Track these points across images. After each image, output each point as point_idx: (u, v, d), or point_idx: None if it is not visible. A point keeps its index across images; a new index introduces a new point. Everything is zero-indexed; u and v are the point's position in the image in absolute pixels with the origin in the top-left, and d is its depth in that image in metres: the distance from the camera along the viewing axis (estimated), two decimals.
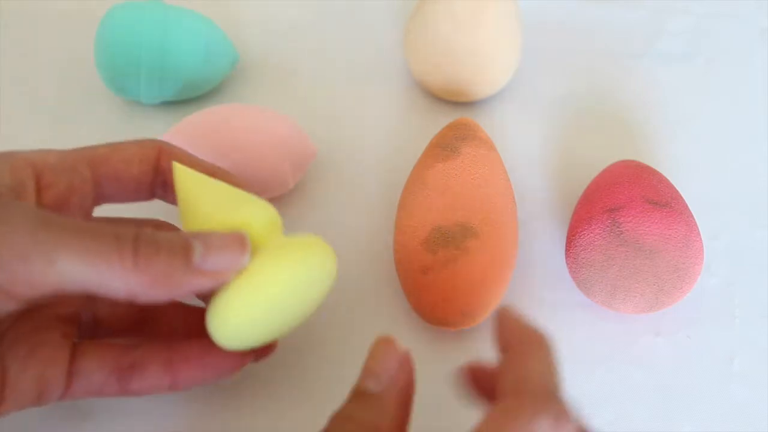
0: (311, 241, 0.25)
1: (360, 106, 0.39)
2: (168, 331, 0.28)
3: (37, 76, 0.40)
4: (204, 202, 0.25)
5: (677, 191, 0.31)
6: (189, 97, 0.38)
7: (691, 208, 0.31)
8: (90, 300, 0.27)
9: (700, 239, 0.30)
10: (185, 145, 0.32)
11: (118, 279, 0.21)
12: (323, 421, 0.23)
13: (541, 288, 0.33)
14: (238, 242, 0.23)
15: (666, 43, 0.42)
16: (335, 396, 0.24)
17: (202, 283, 0.22)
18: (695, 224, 0.30)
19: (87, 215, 0.26)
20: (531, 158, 0.37)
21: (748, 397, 0.31)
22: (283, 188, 0.34)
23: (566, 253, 0.31)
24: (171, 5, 0.36)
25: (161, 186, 0.27)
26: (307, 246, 0.25)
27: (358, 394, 0.23)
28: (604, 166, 0.34)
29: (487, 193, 0.30)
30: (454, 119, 0.34)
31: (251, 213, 0.24)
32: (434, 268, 0.29)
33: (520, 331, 0.23)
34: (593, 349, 0.32)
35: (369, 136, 0.38)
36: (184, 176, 0.25)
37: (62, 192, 0.24)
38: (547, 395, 0.21)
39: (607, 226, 0.29)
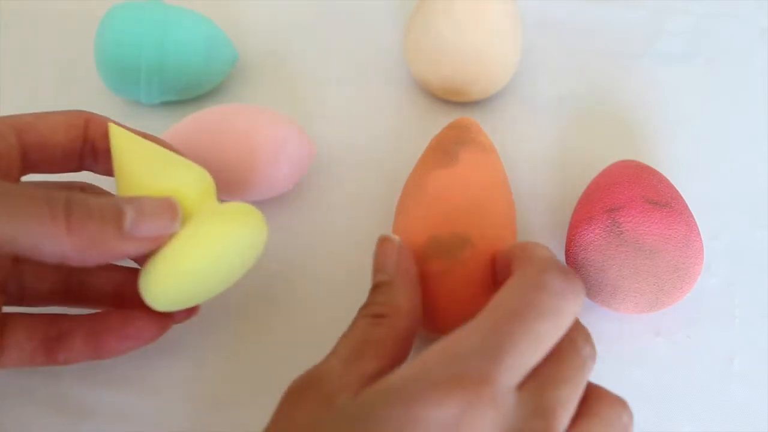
0: (243, 208, 0.26)
1: (360, 106, 0.39)
2: (95, 296, 0.29)
3: (37, 76, 0.40)
4: (139, 165, 0.25)
5: (677, 191, 0.31)
6: (189, 97, 0.38)
7: (691, 208, 0.31)
8: (16, 268, 0.27)
9: (700, 239, 0.30)
10: (185, 145, 0.32)
11: (51, 241, 0.21)
12: None
13: None
14: (169, 209, 0.23)
15: (666, 43, 0.42)
16: None
17: (135, 248, 0.23)
18: (695, 224, 0.30)
19: (14, 182, 0.26)
20: (531, 158, 0.37)
21: (748, 397, 0.31)
22: (282, 188, 0.34)
23: (566, 253, 0.31)
24: (171, 5, 0.36)
25: (90, 155, 0.27)
26: (238, 213, 0.26)
27: (374, 288, 0.26)
28: (604, 166, 0.34)
29: (484, 202, 0.30)
30: (455, 119, 0.34)
31: (185, 178, 0.25)
32: (429, 278, 0.28)
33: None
34: None
35: (369, 136, 0.38)
36: (120, 139, 0.25)
37: None
38: (553, 260, 0.24)
39: (607, 226, 0.29)
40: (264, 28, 0.42)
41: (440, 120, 0.39)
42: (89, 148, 0.27)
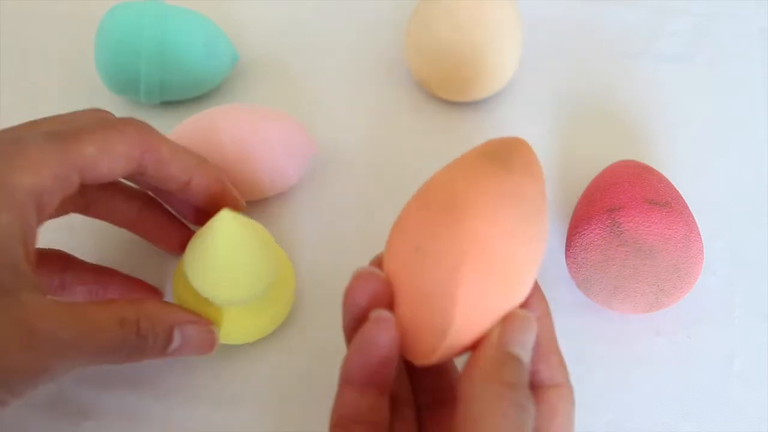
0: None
1: (360, 105, 0.39)
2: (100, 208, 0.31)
3: (37, 76, 0.40)
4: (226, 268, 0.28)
5: (677, 191, 0.31)
6: (189, 97, 0.38)
7: (691, 208, 0.31)
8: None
9: (700, 239, 0.30)
10: (188, 146, 0.32)
11: (104, 363, 0.25)
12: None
13: (541, 288, 0.33)
14: (209, 345, 0.28)
15: (666, 43, 0.42)
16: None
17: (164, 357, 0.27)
18: (695, 224, 0.30)
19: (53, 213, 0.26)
20: None
21: (748, 397, 0.31)
22: (284, 185, 0.34)
23: (566, 253, 0.31)
24: (171, 5, 0.36)
25: (132, 178, 0.28)
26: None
27: (515, 359, 0.22)
28: (604, 166, 0.34)
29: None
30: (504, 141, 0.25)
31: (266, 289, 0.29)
32: None
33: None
34: (593, 349, 0.32)
35: (369, 135, 0.38)
36: (229, 231, 0.27)
37: (56, 209, 0.25)
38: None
39: (607, 226, 0.29)
40: (264, 27, 0.42)
41: (440, 120, 0.39)
42: (136, 174, 0.27)
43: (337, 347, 0.32)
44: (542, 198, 0.24)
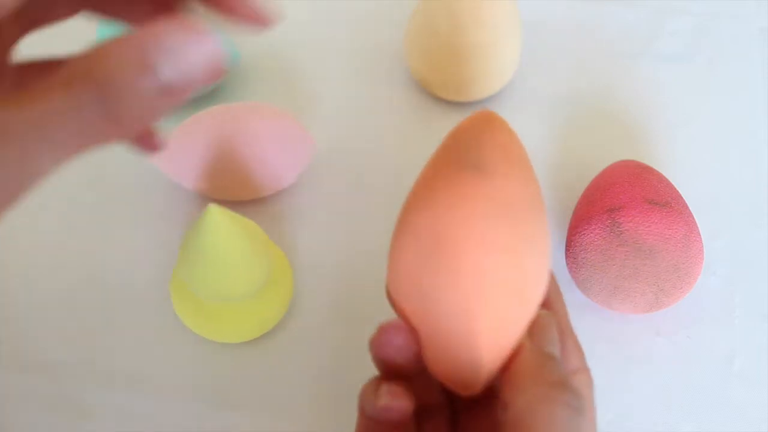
0: None
1: (360, 105, 0.39)
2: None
3: None
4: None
5: (677, 191, 0.31)
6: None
7: (691, 208, 0.31)
8: None
9: (700, 239, 0.30)
10: (187, 146, 0.32)
11: (96, 141, 0.17)
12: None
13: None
14: (202, 41, 0.17)
15: (666, 43, 0.42)
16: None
17: (177, 98, 0.18)
18: (695, 224, 0.30)
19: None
20: (531, 158, 0.37)
21: (748, 397, 0.31)
22: (284, 183, 0.34)
23: (566, 253, 0.31)
24: None
25: None
26: None
27: (554, 358, 0.22)
28: (604, 166, 0.34)
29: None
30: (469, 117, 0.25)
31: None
32: None
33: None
34: (593, 349, 0.32)
35: (369, 135, 0.38)
36: (217, 227, 0.26)
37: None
38: None
39: (607, 226, 0.29)
40: None
41: (440, 120, 0.39)
42: None
43: (336, 346, 0.32)
44: (529, 185, 0.23)
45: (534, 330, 0.22)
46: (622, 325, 0.33)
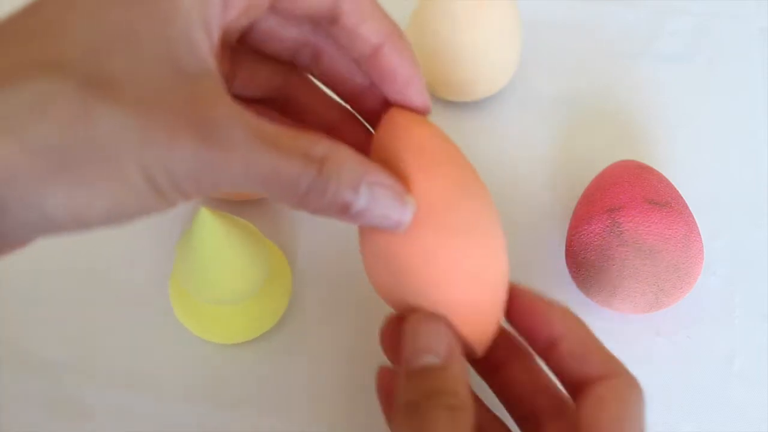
0: None
1: None
2: (298, 111, 0.26)
3: None
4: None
5: (677, 191, 0.31)
6: None
7: (691, 208, 0.31)
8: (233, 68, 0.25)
9: (700, 239, 0.30)
10: None
11: (275, 198, 0.20)
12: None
13: (541, 288, 0.33)
14: (399, 219, 0.22)
15: (666, 43, 0.42)
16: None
17: (342, 220, 0.21)
18: (695, 224, 0.30)
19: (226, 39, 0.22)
20: (531, 158, 0.37)
21: (748, 397, 0.31)
22: None
23: (566, 253, 0.31)
24: None
25: (328, 21, 0.23)
26: None
27: (425, 373, 0.22)
28: (604, 166, 0.34)
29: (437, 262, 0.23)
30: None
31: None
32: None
33: (606, 361, 0.24)
34: None
35: None
36: (210, 231, 0.26)
37: (237, 13, 0.21)
38: None
39: (607, 226, 0.29)
40: None
41: (440, 120, 0.39)
42: (326, 18, 0.22)
43: (335, 346, 0.32)
44: (453, 177, 0.23)
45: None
46: (622, 325, 0.32)
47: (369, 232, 0.23)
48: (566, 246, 0.31)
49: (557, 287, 0.33)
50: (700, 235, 0.30)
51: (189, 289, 0.28)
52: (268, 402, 0.31)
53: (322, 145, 0.20)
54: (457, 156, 0.24)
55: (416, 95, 0.24)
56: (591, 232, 0.30)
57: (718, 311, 0.33)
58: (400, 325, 0.23)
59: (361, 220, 0.21)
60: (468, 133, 0.38)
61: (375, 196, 0.21)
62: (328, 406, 0.31)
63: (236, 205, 0.35)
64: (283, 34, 0.24)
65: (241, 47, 0.24)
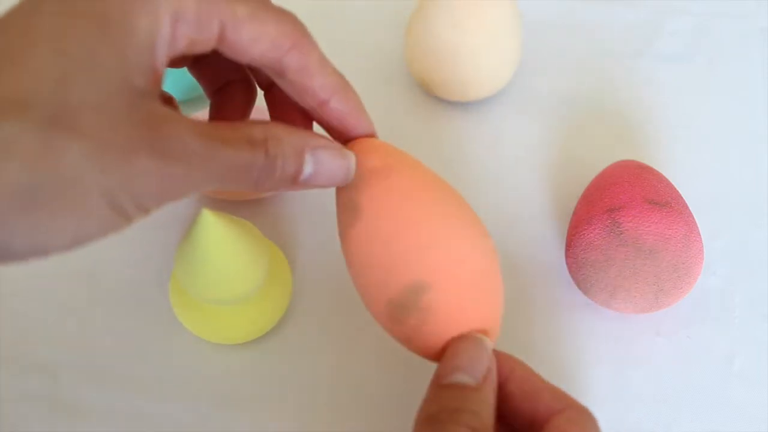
0: None
1: None
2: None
3: None
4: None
5: (677, 191, 0.31)
6: (190, 97, 0.38)
7: (691, 208, 0.31)
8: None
9: (700, 239, 0.30)
10: None
11: (236, 189, 0.22)
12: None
13: (541, 288, 0.33)
14: (344, 173, 0.24)
15: (666, 43, 0.42)
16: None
17: (298, 189, 0.24)
18: (695, 224, 0.30)
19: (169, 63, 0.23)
20: (531, 158, 0.37)
21: (748, 397, 0.31)
22: None
23: (566, 253, 0.31)
24: None
25: (275, 73, 0.24)
26: None
27: (456, 390, 0.23)
28: (604, 166, 0.34)
29: (417, 235, 0.24)
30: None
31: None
32: (407, 334, 0.25)
33: (560, 398, 0.24)
34: (593, 349, 0.32)
35: None
36: (212, 231, 0.27)
37: (183, 48, 0.21)
38: None
39: (607, 226, 0.29)
40: None
41: (440, 120, 0.39)
42: (272, 69, 0.24)
43: (335, 346, 0.32)
44: (411, 190, 0.25)
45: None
46: (622, 325, 0.33)
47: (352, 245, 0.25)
48: (566, 246, 0.31)
49: (557, 287, 0.33)
50: (700, 235, 0.30)
51: (189, 290, 0.28)
52: (269, 402, 0.31)
53: (258, 128, 0.22)
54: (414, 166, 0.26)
55: (364, 131, 0.27)
56: (591, 232, 0.30)
57: (718, 311, 0.33)
58: None
59: (311, 185, 0.24)
60: (468, 133, 0.38)
61: (318, 160, 0.23)
62: (328, 406, 0.31)
63: (236, 205, 0.35)
64: (254, 51, 0.24)
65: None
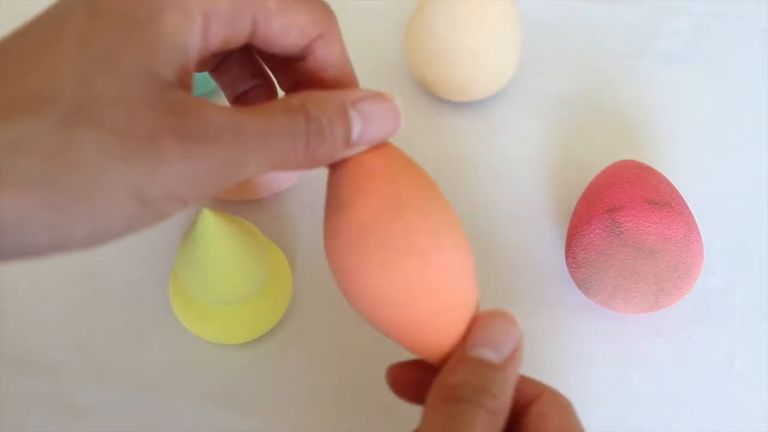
0: None
1: None
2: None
3: None
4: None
5: (677, 191, 0.31)
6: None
7: (691, 208, 0.31)
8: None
9: (700, 239, 0.30)
10: None
11: (287, 166, 0.21)
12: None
13: (541, 288, 0.33)
14: (394, 115, 0.23)
15: (666, 43, 0.42)
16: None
17: (357, 151, 0.22)
18: (695, 224, 0.30)
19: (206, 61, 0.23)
20: (531, 158, 0.37)
21: (748, 397, 0.31)
22: (282, 185, 0.34)
23: (566, 253, 0.31)
24: None
25: (284, 63, 0.24)
26: None
27: (480, 365, 0.22)
28: (604, 166, 0.34)
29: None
30: None
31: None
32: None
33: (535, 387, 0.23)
34: (593, 349, 0.32)
35: None
36: (212, 232, 0.26)
37: (217, 44, 0.21)
38: None
39: (607, 226, 0.29)
40: None
41: (440, 119, 0.39)
42: (296, 58, 0.23)
43: (335, 346, 0.32)
44: (405, 200, 0.23)
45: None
46: (622, 325, 0.33)
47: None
48: (566, 246, 0.31)
49: (557, 287, 0.33)
50: (700, 235, 0.30)
51: (189, 290, 0.28)
52: (269, 402, 0.31)
53: (295, 96, 0.21)
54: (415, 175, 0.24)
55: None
56: (591, 232, 0.30)
57: (718, 311, 0.33)
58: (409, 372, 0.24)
59: (364, 141, 0.22)
60: (468, 133, 0.38)
61: (365, 113, 0.22)
62: (328, 406, 0.31)
63: (236, 205, 0.35)
64: (286, 42, 0.24)
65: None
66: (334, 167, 0.23)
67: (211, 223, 0.26)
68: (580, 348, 0.32)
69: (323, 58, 0.23)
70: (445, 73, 0.36)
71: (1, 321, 0.32)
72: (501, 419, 0.21)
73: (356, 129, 0.22)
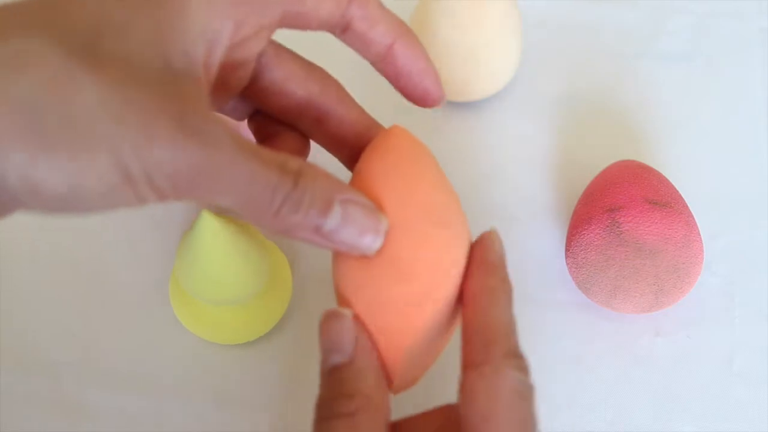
0: None
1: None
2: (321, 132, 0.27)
3: None
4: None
5: (677, 191, 0.31)
6: None
7: (691, 208, 0.31)
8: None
9: (700, 239, 0.30)
10: None
11: (255, 218, 0.20)
12: None
13: (541, 288, 0.33)
14: (370, 239, 0.21)
15: (666, 43, 0.42)
16: None
17: (324, 245, 0.21)
18: (695, 224, 0.30)
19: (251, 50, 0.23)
20: (531, 158, 0.37)
21: (748, 397, 0.31)
22: None
23: (566, 253, 0.31)
24: None
25: (340, 29, 0.24)
26: None
27: (330, 374, 0.22)
28: (604, 166, 0.34)
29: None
30: None
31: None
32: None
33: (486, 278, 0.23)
34: (593, 349, 0.32)
35: None
36: (212, 232, 0.26)
37: (249, 32, 0.21)
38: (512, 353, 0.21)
39: (607, 226, 0.29)
40: None
41: (440, 119, 0.39)
42: (337, 26, 0.24)
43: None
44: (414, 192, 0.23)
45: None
46: (622, 325, 0.33)
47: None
48: (566, 246, 0.31)
49: (557, 287, 0.33)
50: (700, 235, 0.30)
51: (189, 290, 0.28)
52: (269, 402, 0.31)
53: (297, 160, 0.20)
54: (433, 182, 0.24)
55: (432, 86, 0.25)
56: (591, 232, 0.30)
57: (718, 311, 0.33)
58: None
59: (332, 240, 0.21)
60: (468, 133, 0.38)
61: (347, 214, 0.21)
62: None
63: None
64: (289, 89, 0.25)
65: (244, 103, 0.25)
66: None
67: (211, 224, 0.26)
68: (581, 348, 0.32)
69: (363, 18, 0.24)
70: (445, 73, 0.36)
71: (2, 321, 0.32)
72: (368, 414, 0.21)
73: (332, 223, 0.21)
